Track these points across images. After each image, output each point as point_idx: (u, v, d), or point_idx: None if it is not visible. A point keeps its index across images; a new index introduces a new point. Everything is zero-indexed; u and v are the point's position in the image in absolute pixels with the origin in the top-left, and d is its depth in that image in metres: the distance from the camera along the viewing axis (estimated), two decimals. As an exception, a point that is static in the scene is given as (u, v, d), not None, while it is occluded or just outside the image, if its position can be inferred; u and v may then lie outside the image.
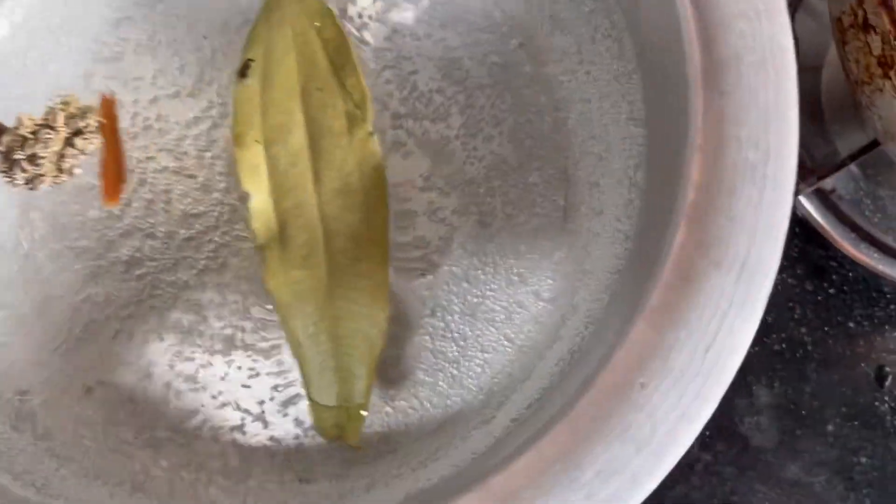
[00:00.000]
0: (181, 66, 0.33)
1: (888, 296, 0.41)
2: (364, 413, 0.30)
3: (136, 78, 0.32)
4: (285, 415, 0.31)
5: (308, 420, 0.30)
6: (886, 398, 0.40)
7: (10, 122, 0.28)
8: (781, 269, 0.41)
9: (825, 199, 0.41)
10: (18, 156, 0.28)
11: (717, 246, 0.22)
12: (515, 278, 0.32)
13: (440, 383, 0.31)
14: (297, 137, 0.31)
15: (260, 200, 0.30)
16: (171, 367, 0.31)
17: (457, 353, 0.31)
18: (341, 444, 0.30)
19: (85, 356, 0.31)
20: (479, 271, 0.32)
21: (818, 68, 0.44)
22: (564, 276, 0.32)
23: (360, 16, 0.33)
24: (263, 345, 0.31)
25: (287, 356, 0.31)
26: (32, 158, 0.29)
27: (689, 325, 0.22)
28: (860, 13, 0.32)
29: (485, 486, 0.22)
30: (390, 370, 0.31)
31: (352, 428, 0.29)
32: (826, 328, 0.41)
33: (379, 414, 0.31)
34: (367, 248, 0.30)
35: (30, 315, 0.31)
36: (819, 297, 0.41)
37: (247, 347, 0.31)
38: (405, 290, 0.32)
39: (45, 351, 0.31)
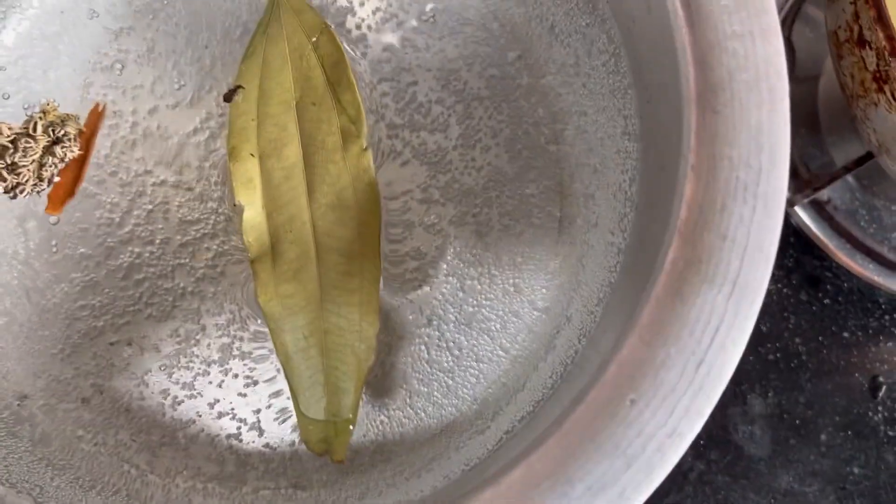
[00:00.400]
0: (181, 76, 0.33)
1: (883, 306, 0.41)
2: (351, 428, 0.30)
3: (135, 87, 0.33)
4: (281, 423, 0.31)
5: (304, 428, 0.31)
6: (880, 408, 0.40)
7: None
8: (777, 279, 0.41)
9: (821, 210, 0.41)
10: (-1, 165, 0.28)
11: (709, 263, 0.23)
12: (511, 288, 0.32)
13: (435, 393, 0.31)
14: (292, 152, 0.31)
15: (253, 214, 0.30)
16: (169, 374, 0.31)
17: (452, 363, 0.32)
18: (328, 458, 0.30)
19: (83, 363, 0.31)
20: (475, 281, 0.32)
21: (815, 78, 0.44)
22: (559, 286, 0.32)
23: (358, 27, 0.33)
24: (260, 353, 0.31)
25: (283, 365, 0.31)
26: (12, 167, 0.29)
27: (679, 341, 0.22)
28: (856, 28, 0.32)
29: (476, 500, 0.22)
30: (386, 379, 0.31)
31: (339, 443, 0.30)
32: (820, 338, 0.41)
33: (374, 423, 0.31)
34: (358, 263, 0.30)
35: (29, 321, 0.31)
36: (814, 308, 0.41)
37: (244, 356, 0.31)
38: (401, 300, 0.32)
39: (44, 357, 0.31)
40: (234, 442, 0.31)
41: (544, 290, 0.32)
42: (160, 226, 0.32)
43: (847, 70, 0.34)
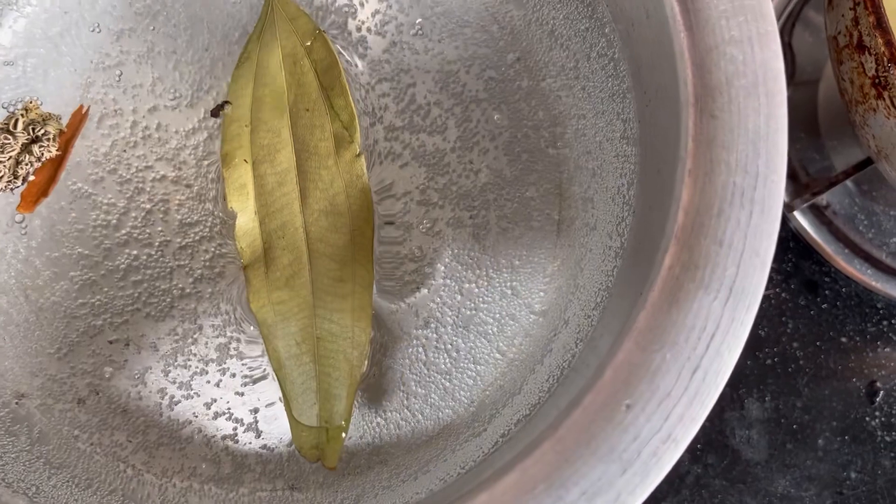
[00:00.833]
0: (181, 77, 0.33)
1: (881, 312, 0.41)
2: (344, 435, 0.30)
3: (135, 86, 0.33)
4: (279, 424, 0.31)
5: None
6: (877, 413, 0.40)
7: None
8: (775, 284, 0.41)
9: (820, 215, 0.41)
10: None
11: (705, 269, 0.23)
12: (508, 291, 0.32)
13: (432, 395, 0.31)
14: (285, 157, 0.31)
15: (246, 220, 0.30)
16: (166, 373, 0.31)
17: (449, 365, 0.32)
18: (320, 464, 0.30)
19: (80, 362, 0.31)
20: (473, 284, 0.32)
21: (815, 83, 0.44)
22: (557, 290, 0.32)
23: (359, 29, 0.33)
24: (257, 353, 0.31)
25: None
26: None
27: (675, 346, 0.22)
28: (855, 34, 0.32)
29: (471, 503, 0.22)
30: (382, 381, 0.31)
31: (331, 450, 0.30)
32: (818, 343, 0.41)
33: (370, 425, 0.31)
34: (351, 269, 0.30)
35: (27, 320, 0.31)
36: (812, 312, 0.41)
37: (241, 356, 0.31)
38: (399, 303, 0.32)
39: (42, 356, 0.31)
40: (231, 443, 0.31)
41: (542, 294, 0.32)
42: (159, 228, 0.32)
43: (846, 75, 0.34)
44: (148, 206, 0.32)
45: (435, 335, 0.32)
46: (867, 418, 0.40)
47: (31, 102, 0.31)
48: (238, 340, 0.31)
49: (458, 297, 0.32)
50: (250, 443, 0.31)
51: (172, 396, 0.31)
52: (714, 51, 0.24)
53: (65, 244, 0.32)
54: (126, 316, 0.31)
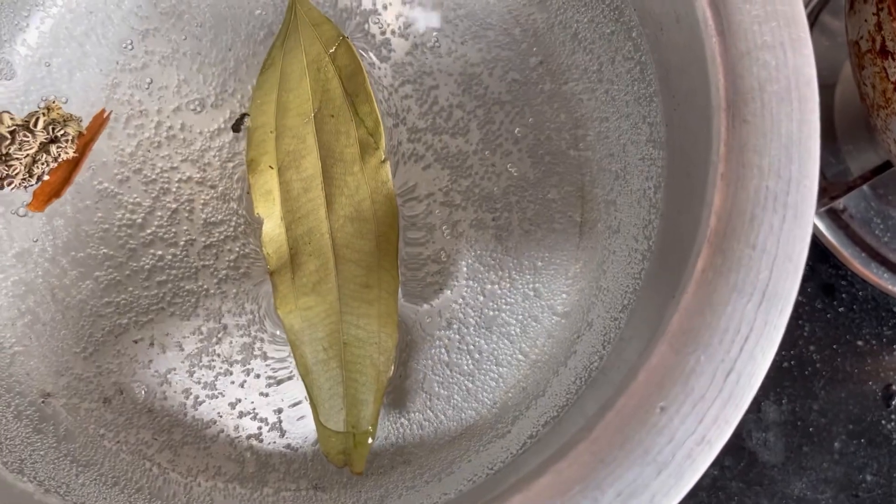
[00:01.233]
0: (205, 77, 0.33)
1: (897, 315, 0.41)
2: (371, 440, 0.30)
3: (161, 87, 0.33)
4: (303, 423, 0.31)
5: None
6: (893, 416, 0.41)
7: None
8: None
9: (837, 219, 0.42)
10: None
11: (739, 272, 0.23)
12: (531, 293, 0.32)
13: (455, 396, 0.31)
14: (310, 163, 0.31)
15: (272, 226, 0.30)
16: (191, 373, 0.31)
17: (472, 366, 0.32)
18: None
19: (106, 361, 0.31)
20: (496, 286, 0.32)
21: (831, 86, 0.44)
22: (579, 291, 0.32)
23: (382, 31, 0.33)
24: (282, 353, 0.32)
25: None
26: (6, 158, 0.29)
27: (709, 349, 0.22)
28: (878, 39, 0.32)
29: (505, 504, 0.22)
30: (405, 382, 0.31)
31: (357, 454, 0.30)
32: (834, 346, 0.41)
33: (394, 426, 0.31)
34: (377, 275, 0.30)
35: (53, 319, 0.31)
36: (828, 315, 0.41)
37: (265, 356, 0.32)
38: (422, 304, 0.32)
39: (68, 355, 0.31)
40: (255, 442, 0.31)
41: (564, 295, 0.32)
42: (184, 227, 0.32)
43: (868, 80, 0.34)
44: (173, 206, 0.32)
45: (458, 336, 0.32)
46: (883, 421, 0.40)
47: (53, 102, 0.31)
48: (262, 340, 0.32)
49: (481, 299, 0.32)
50: (274, 442, 0.31)
51: (197, 396, 0.31)
52: (746, 56, 0.24)
53: (90, 244, 0.32)
54: (151, 315, 0.32)
